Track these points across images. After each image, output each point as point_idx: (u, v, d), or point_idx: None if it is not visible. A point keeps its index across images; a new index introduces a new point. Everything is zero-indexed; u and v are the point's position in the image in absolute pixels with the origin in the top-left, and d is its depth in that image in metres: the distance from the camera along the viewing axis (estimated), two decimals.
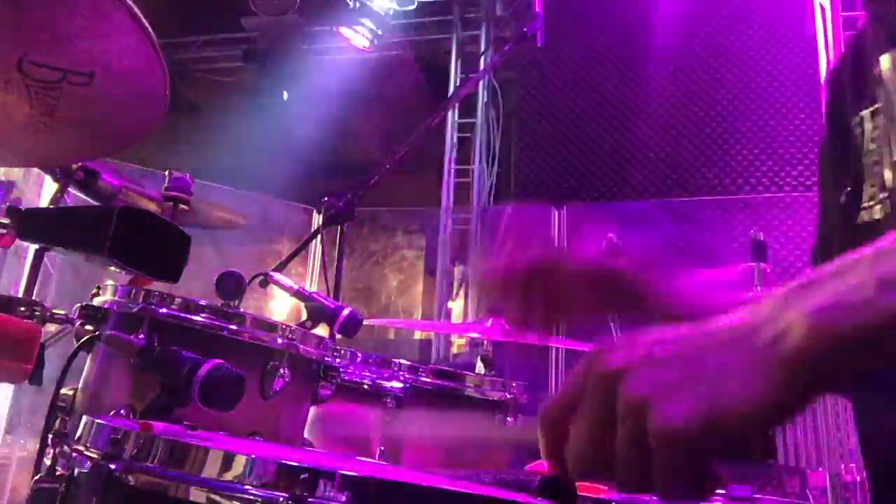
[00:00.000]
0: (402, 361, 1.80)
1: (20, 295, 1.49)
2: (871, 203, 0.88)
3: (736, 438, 0.52)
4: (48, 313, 1.45)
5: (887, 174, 0.85)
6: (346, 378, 1.74)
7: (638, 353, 0.56)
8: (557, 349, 5.26)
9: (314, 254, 5.43)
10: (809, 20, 5.03)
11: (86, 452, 0.86)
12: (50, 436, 1.29)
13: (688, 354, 0.54)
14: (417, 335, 6.42)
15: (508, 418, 1.85)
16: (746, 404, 0.51)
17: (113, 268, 1.45)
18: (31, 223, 1.41)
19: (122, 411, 1.34)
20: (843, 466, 2.84)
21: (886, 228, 0.86)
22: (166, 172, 1.97)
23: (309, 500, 0.71)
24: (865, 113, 0.89)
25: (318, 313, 1.76)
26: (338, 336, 1.77)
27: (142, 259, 1.41)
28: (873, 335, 0.50)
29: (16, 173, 4.50)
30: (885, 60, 0.85)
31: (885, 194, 0.86)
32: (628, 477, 0.55)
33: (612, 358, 0.56)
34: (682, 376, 0.53)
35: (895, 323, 0.49)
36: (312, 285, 5.22)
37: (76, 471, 0.86)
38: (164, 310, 1.41)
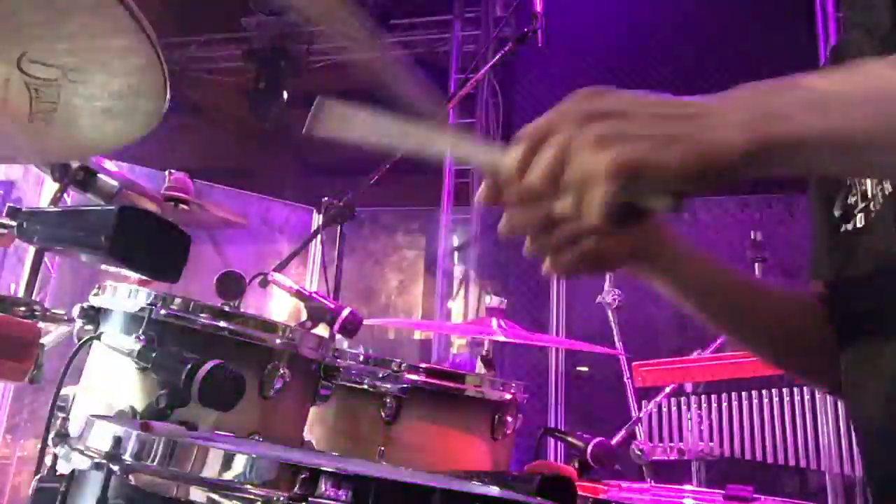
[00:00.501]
0: (402, 361, 1.80)
1: (20, 295, 1.49)
2: (854, 213, 0.90)
3: (660, 183, 0.62)
4: (48, 313, 1.45)
5: (868, 183, 0.88)
6: (346, 378, 1.74)
7: (612, 105, 0.65)
8: (557, 349, 5.26)
9: (314, 254, 5.43)
10: (811, 21, 5.04)
11: (86, 452, 0.86)
12: (51, 436, 1.29)
13: (653, 116, 0.65)
14: (417, 335, 6.42)
15: (508, 418, 1.85)
16: (674, 163, 0.62)
17: (113, 268, 1.45)
18: (31, 223, 1.41)
19: (121, 411, 1.34)
20: (843, 466, 2.84)
21: (867, 236, 0.88)
22: (166, 172, 1.97)
23: (309, 499, 0.71)
24: None
25: (318, 313, 1.76)
26: (338, 336, 1.77)
27: (142, 259, 1.41)
28: (795, 143, 0.62)
29: (16, 173, 4.50)
30: None
31: (865, 203, 0.88)
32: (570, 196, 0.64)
33: (592, 104, 0.66)
34: (641, 130, 0.63)
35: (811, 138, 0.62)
36: (312, 285, 5.23)
37: (77, 470, 0.86)
38: (164, 310, 1.41)
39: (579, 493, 1.19)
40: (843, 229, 0.94)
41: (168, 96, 1.00)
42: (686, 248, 0.97)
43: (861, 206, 0.90)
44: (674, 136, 0.63)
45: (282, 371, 1.45)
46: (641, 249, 0.96)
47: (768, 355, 1.15)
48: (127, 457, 0.81)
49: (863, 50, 0.91)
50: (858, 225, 0.91)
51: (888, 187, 0.86)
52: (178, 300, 1.43)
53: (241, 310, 1.52)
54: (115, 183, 1.74)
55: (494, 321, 2.32)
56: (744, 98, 0.66)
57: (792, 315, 1.04)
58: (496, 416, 1.83)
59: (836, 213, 0.96)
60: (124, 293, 1.46)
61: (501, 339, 2.26)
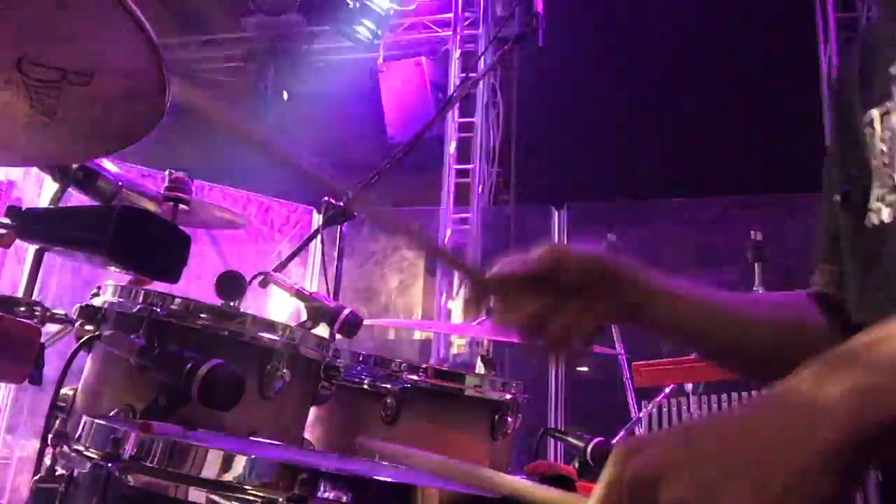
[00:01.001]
0: (402, 361, 1.80)
1: (20, 295, 1.49)
2: (879, 205, 0.86)
3: None
4: (48, 313, 1.45)
5: None
6: (346, 378, 1.74)
7: (669, 452, 0.54)
8: None
9: (314, 254, 5.43)
10: (811, 21, 5.03)
11: (86, 452, 0.86)
12: (50, 436, 1.29)
13: (722, 450, 0.53)
14: (417, 335, 6.42)
15: (508, 418, 1.85)
16: (797, 494, 0.49)
17: (113, 268, 1.45)
18: (31, 223, 1.41)
19: (121, 411, 1.34)
20: None
21: (894, 231, 0.84)
22: (166, 172, 1.97)
23: (309, 500, 0.71)
24: (875, 112, 0.86)
25: (318, 313, 1.76)
26: (338, 336, 1.77)
27: (142, 259, 1.41)
28: None
29: (16, 173, 4.50)
30: None
31: (895, 196, 0.83)
32: None
33: (644, 461, 0.54)
34: (720, 474, 0.51)
35: None
36: (312, 285, 5.23)
37: (76, 471, 0.86)
38: (164, 310, 1.41)
39: (579, 493, 1.19)
40: (867, 223, 0.88)
41: (168, 97, 1.00)
42: (676, 295, 0.95)
43: (889, 199, 0.84)
44: (768, 455, 0.51)
45: (282, 371, 1.45)
46: (627, 309, 0.95)
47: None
48: (126, 457, 0.81)
49: (892, 38, 0.88)
50: (885, 219, 0.84)
51: None
52: (177, 300, 1.43)
53: (241, 310, 1.52)
54: (115, 183, 1.74)
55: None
56: (820, 376, 0.53)
57: (791, 342, 1.00)
58: (496, 416, 1.83)
59: (868, 204, 0.88)
60: (124, 293, 1.46)
61: (501, 339, 2.26)
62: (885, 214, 0.85)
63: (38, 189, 4.60)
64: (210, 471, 0.76)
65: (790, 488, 0.49)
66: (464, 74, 6.11)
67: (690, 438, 0.55)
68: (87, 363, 1.47)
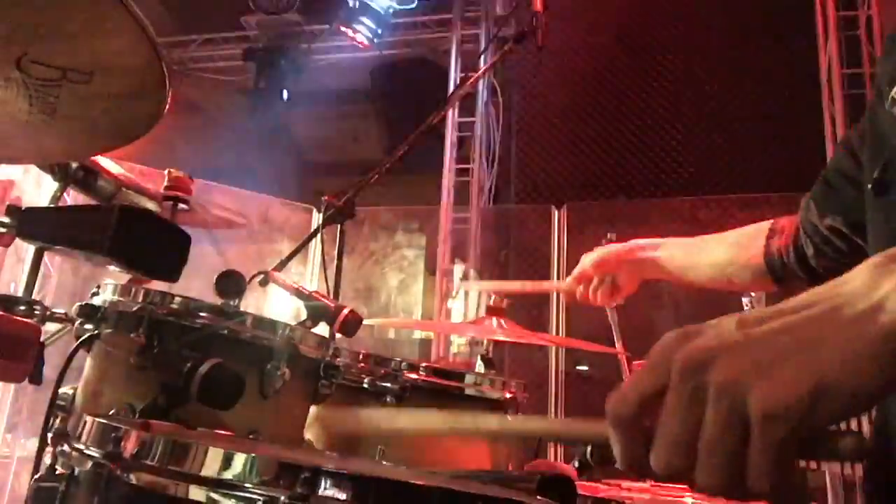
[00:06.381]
0: (402, 361, 1.80)
1: (20, 295, 1.49)
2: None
3: (842, 412, 0.51)
4: (48, 313, 1.45)
5: None
6: (346, 377, 1.74)
7: (724, 335, 0.54)
8: (557, 349, 5.26)
9: (314, 253, 5.43)
10: (811, 21, 5.04)
11: (86, 451, 0.86)
12: (50, 435, 1.29)
13: (778, 331, 0.53)
14: (417, 335, 6.42)
15: (508, 418, 1.85)
16: (852, 376, 0.50)
17: (113, 268, 1.45)
18: (30, 223, 1.41)
19: (121, 410, 1.34)
20: (843, 466, 2.84)
21: None
22: (166, 172, 1.97)
23: (310, 498, 0.71)
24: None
25: (318, 313, 1.75)
26: (338, 336, 1.77)
27: (142, 259, 1.41)
28: None
29: (16, 173, 4.50)
30: None
31: None
32: (716, 472, 0.52)
33: (697, 344, 0.55)
34: (776, 354, 0.52)
35: None
36: (312, 285, 5.22)
37: (76, 470, 0.86)
38: (163, 309, 1.41)
39: (579, 492, 1.19)
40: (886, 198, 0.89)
41: (168, 96, 1.00)
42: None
43: None
44: (824, 339, 0.51)
45: (282, 370, 1.45)
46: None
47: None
48: (126, 456, 0.81)
49: None
50: None
51: None
52: (177, 299, 1.43)
53: (241, 309, 1.51)
54: (115, 183, 1.74)
55: (494, 321, 2.31)
56: (879, 267, 0.54)
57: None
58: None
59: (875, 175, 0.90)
60: (124, 292, 1.46)
61: (501, 338, 2.26)
62: None
63: (38, 189, 4.60)
64: (211, 469, 0.76)
65: (844, 371, 0.50)
66: (463, 74, 6.11)
67: (746, 322, 0.55)
68: (87, 362, 1.47)
